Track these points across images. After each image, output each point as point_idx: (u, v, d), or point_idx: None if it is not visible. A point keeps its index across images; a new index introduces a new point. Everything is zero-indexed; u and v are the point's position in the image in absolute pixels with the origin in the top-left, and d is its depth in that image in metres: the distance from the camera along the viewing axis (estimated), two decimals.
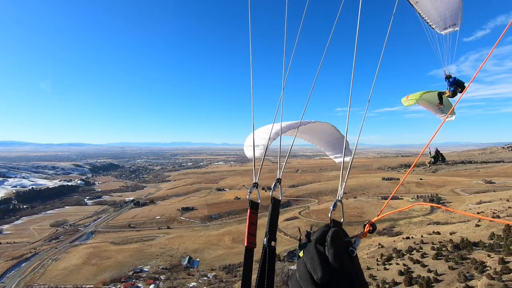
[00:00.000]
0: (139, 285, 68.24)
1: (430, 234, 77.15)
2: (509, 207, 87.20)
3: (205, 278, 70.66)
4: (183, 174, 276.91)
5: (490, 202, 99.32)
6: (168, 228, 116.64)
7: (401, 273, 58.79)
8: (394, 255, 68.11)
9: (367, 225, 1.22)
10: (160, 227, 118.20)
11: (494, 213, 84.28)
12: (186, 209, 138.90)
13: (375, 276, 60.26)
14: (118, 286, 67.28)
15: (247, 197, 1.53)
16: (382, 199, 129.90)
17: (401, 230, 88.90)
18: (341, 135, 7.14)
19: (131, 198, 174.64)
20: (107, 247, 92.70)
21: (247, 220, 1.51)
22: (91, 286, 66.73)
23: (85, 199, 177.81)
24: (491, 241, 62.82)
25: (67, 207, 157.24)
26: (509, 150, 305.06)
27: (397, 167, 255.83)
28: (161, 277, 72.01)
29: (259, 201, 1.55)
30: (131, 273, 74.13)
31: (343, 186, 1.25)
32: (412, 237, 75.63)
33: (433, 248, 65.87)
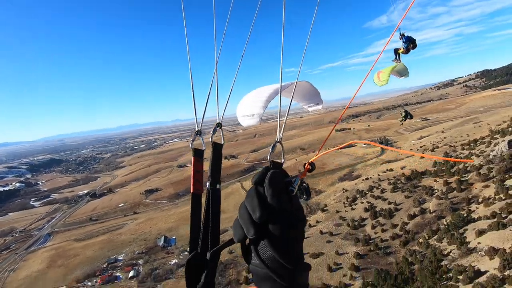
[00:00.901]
0: (117, 274, 65.54)
1: (384, 172, 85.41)
2: (444, 138, 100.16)
3: (185, 252, 70.29)
4: (138, 158, 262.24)
5: (428, 136, 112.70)
6: (135, 213, 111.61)
7: (366, 210, 65.10)
8: (357, 195, 74.60)
9: (306, 164, 1.24)
10: (126, 214, 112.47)
11: (433, 144, 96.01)
12: (150, 192, 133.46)
13: (345, 217, 65.86)
14: (94, 280, 63.81)
15: (190, 145, 1.50)
16: (339, 149, 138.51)
17: (359, 173, 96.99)
18: (315, 89, 7.55)
19: (85, 191, 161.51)
20: (71, 245, 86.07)
21: (192, 168, 1.49)
22: (64, 287, 62.18)
23: (31, 202, 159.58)
24: (435, 168, 71.75)
25: (10, 213, 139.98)
26: (436, 90, 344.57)
27: (346, 118, 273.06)
28: (139, 261, 69.86)
29: (203, 148, 1.51)
30: (105, 265, 70.47)
31: (282, 127, 1.30)
32: (371, 177, 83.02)
33: (389, 183, 73.45)
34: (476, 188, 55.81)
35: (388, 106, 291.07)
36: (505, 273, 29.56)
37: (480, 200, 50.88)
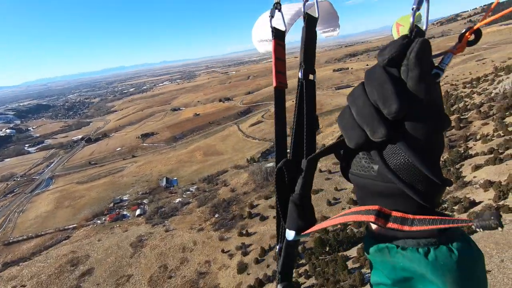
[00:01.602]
0: (125, 212, 68.71)
1: None
2: (446, 76, 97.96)
3: (188, 192, 73.14)
4: (129, 102, 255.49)
5: None
6: (134, 156, 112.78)
7: None
8: None
9: (467, 33, 0.73)
10: (124, 157, 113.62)
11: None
12: (146, 135, 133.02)
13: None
14: (103, 218, 67.02)
15: (270, 23, 1.13)
16: (336, 89, 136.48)
17: None
18: (335, 12, 6.17)
19: (80, 136, 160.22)
20: (75, 188, 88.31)
21: (273, 55, 1.15)
22: (75, 225, 65.44)
23: (25, 147, 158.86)
24: None
25: (7, 159, 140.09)
26: (438, 25, 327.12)
27: (343, 58, 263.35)
28: (144, 201, 72.78)
29: (284, 28, 1.16)
30: (111, 205, 73.40)
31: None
32: None
33: None
34: (475, 126, 56.48)
35: (372, 48, 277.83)
36: (500, 203, 31.31)
37: (478, 137, 51.83)
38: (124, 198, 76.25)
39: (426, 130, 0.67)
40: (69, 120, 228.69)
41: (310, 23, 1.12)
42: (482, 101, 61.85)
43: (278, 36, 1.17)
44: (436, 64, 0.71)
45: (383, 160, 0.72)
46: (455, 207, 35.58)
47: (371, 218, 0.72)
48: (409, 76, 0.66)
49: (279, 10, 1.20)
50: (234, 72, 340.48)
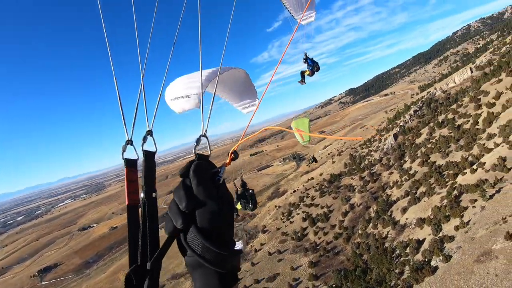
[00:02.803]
0: None
1: (307, 182, 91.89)
2: (344, 143, 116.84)
3: None
4: (17, 234, 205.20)
5: (331, 144, 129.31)
6: None
7: (304, 219, 67.46)
8: (291, 208, 77.03)
9: (229, 153, 1.29)
10: None
11: (338, 150, 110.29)
12: (45, 270, 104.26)
13: (286, 232, 66.35)
14: None
15: (121, 156, 1.39)
16: (258, 170, 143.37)
17: (285, 188, 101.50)
18: (250, 82, 7.60)
19: None
20: None
21: (125, 179, 1.41)
22: None
23: None
24: (347, 169, 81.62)
25: None
26: (320, 108, 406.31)
27: (255, 143, 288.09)
28: None
29: (136, 157, 1.44)
30: None
31: (207, 122, 1.36)
32: (297, 189, 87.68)
33: (316, 190, 79.02)
34: (384, 176, 65.70)
35: (289, 126, 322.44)
36: (440, 235, 34.51)
37: (391, 184, 59.81)
38: None
39: (208, 216, 1.10)
40: None
41: (148, 156, 1.40)
42: (380, 156, 74.30)
43: (130, 165, 1.39)
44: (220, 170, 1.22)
45: (186, 241, 1.10)
46: (407, 250, 37.30)
47: None
48: (192, 184, 1.13)
49: (131, 144, 1.46)
50: None
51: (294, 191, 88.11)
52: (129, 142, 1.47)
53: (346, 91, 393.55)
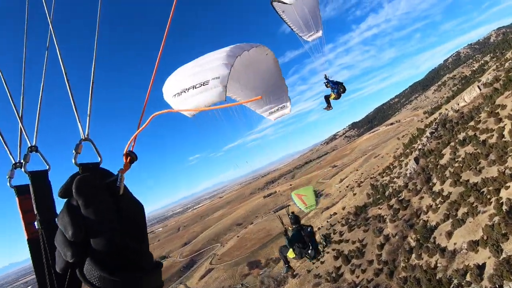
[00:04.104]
0: None
1: (330, 217, 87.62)
2: (361, 174, 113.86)
3: None
4: None
5: (347, 177, 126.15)
6: None
7: (336, 258, 62.54)
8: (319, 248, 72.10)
9: (124, 156, 1.04)
10: None
11: (356, 181, 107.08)
12: None
13: (319, 274, 61.11)
14: None
15: (8, 184, 1.19)
16: (274, 212, 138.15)
17: None
18: (280, 71, 5.86)
19: None
20: None
21: (19, 210, 1.20)
22: None
23: None
24: (371, 199, 78.18)
25: None
26: (326, 144, 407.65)
27: (265, 186, 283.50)
28: None
29: (28, 182, 1.21)
30: None
31: (88, 121, 1.11)
32: (322, 226, 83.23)
33: (342, 225, 74.77)
34: (415, 202, 62.28)
35: (297, 165, 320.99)
36: (502, 256, 31.05)
37: (425, 209, 56.33)
38: None
39: (104, 243, 0.84)
40: None
41: (36, 177, 1.16)
42: (405, 181, 71.49)
43: (22, 192, 1.19)
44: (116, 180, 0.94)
45: (83, 276, 0.85)
46: (468, 278, 33.35)
47: None
48: (79, 204, 0.85)
49: (21, 168, 1.20)
50: (160, 229, 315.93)
51: (319, 228, 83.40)
52: (17, 165, 1.20)
53: (349, 125, 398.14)
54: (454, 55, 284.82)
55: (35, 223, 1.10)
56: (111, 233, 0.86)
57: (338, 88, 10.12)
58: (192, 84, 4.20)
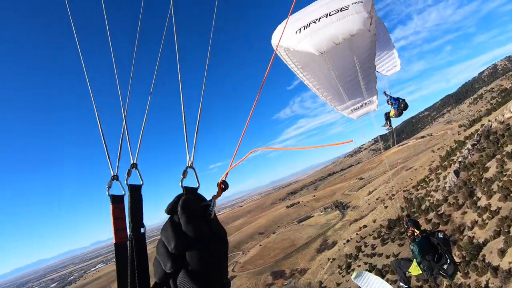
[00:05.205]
0: None
1: (360, 230, 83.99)
2: (392, 186, 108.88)
3: None
4: None
5: (375, 189, 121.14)
6: None
7: (368, 272, 59.33)
8: (349, 260, 68.98)
9: (219, 183, 1.15)
10: None
11: (387, 194, 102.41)
12: None
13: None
14: None
15: (107, 192, 1.35)
16: (298, 222, 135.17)
17: (334, 239, 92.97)
18: (374, 59, 5.05)
19: None
20: None
21: (112, 217, 1.35)
22: None
23: None
24: (405, 212, 74.10)
25: None
26: (350, 157, 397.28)
27: (287, 196, 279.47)
28: None
29: (123, 192, 1.40)
30: None
31: (193, 151, 1.24)
32: (350, 239, 79.88)
33: (374, 238, 71.26)
34: (456, 217, 58.21)
35: (320, 177, 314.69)
36: None
37: (469, 225, 52.36)
38: None
39: (199, 257, 0.95)
40: None
41: (134, 190, 1.32)
42: (444, 195, 67.24)
43: (116, 201, 1.34)
44: (209, 203, 1.06)
45: (174, 283, 0.95)
46: None
47: None
48: (181, 221, 0.98)
49: (117, 179, 1.39)
50: None
51: (348, 240, 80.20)
52: (115, 177, 1.39)
53: (374, 138, 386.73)
54: (490, 67, 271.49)
55: (128, 229, 1.22)
56: (207, 251, 0.96)
57: (399, 104, 9.17)
58: (325, 12, 3.65)
